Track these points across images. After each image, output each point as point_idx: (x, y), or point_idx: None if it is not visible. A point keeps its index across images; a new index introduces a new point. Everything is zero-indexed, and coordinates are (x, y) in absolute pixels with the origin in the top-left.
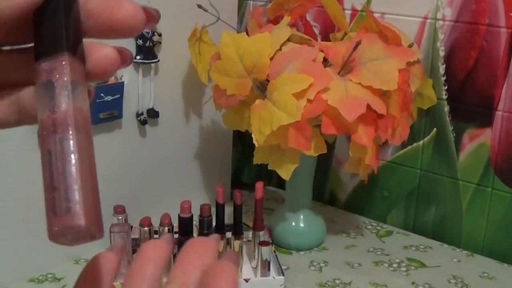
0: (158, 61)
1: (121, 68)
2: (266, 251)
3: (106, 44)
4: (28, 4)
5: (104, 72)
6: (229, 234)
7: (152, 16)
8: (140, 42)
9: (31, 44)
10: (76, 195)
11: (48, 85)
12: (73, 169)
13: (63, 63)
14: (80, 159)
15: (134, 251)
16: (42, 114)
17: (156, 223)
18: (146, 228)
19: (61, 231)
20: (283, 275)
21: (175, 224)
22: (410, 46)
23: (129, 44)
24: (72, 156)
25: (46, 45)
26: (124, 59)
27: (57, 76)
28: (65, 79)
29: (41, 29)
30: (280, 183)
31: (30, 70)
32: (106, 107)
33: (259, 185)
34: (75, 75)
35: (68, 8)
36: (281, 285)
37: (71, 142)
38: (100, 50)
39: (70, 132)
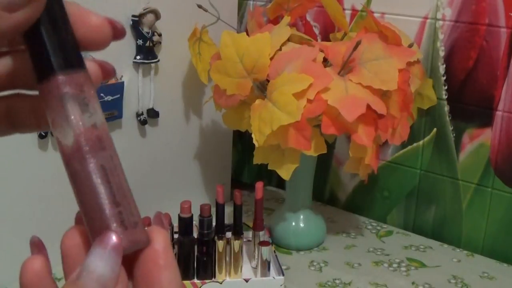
0: (158, 61)
1: (113, 41)
2: (266, 251)
3: (94, 12)
4: (19, 23)
5: (96, 43)
6: (229, 234)
7: (118, 30)
8: (140, 42)
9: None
10: (138, 211)
11: (76, 99)
12: (126, 185)
13: (64, 82)
14: (124, 175)
15: None
16: (77, 129)
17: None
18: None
19: (131, 244)
20: (283, 275)
21: (175, 224)
22: (410, 46)
23: (129, 44)
24: (121, 171)
25: (44, 66)
26: (116, 32)
27: (80, 90)
28: (87, 93)
29: (36, 49)
30: (280, 183)
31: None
32: (106, 107)
33: (259, 185)
34: (91, 89)
35: (60, 23)
36: (281, 285)
37: (118, 158)
38: (91, 18)
39: (113, 148)
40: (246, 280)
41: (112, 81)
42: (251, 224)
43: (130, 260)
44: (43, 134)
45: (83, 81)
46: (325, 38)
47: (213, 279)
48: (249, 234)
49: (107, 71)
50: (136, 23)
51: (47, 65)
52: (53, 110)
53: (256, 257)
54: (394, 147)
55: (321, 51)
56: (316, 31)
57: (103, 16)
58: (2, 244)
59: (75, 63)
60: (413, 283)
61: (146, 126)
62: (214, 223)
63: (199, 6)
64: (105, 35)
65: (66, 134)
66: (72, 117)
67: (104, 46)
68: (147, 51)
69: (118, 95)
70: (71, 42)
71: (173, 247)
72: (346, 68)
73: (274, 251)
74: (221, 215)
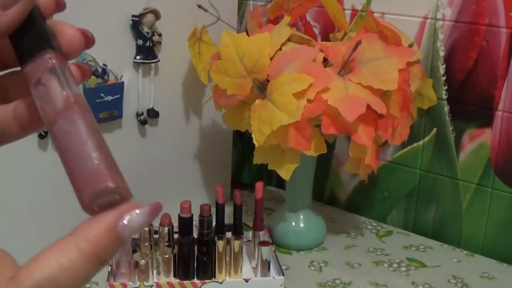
0: (158, 61)
1: (85, 49)
2: (266, 251)
3: (69, 24)
4: (14, 19)
5: (71, 51)
6: (229, 234)
7: (89, 38)
8: (140, 42)
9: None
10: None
11: (63, 70)
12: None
13: (49, 56)
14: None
15: (134, 251)
16: (61, 96)
17: (156, 223)
18: (146, 228)
19: (120, 187)
20: (283, 275)
21: (175, 224)
22: (410, 46)
23: (129, 44)
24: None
25: (28, 49)
26: (88, 40)
27: (64, 65)
28: (69, 70)
29: (18, 36)
30: (280, 183)
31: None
32: (106, 107)
33: (259, 185)
34: (63, 65)
35: (36, 12)
36: (281, 285)
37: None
38: (66, 29)
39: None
40: (246, 280)
41: (112, 81)
42: (251, 224)
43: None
44: (43, 134)
45: (65, 60)
46: (325, 38)
47: (213, 279)
48: (249, 234)
49: (89, 39)
50: (136, 23)
51: (34, 44)
52: (39, 82)
53: (256, 257)
54: (394, 147)
55: (321, 51)
56: (316, 31)
57: (76, 27)
58: (1, 244)
59: (56, 45)
60: (413, 283)
61: (146, 126)
62: (214, 223)
63: (199, 6)
64: (78, 44)
65: (54, 99)
66: (63, 81)
67: (78, 54)
68: (147, 51)
69: (118, 95)
70: (50, 29)
71: (173, 247)
72: (346, 68)
73: (274, 251)
74: (221, 215)
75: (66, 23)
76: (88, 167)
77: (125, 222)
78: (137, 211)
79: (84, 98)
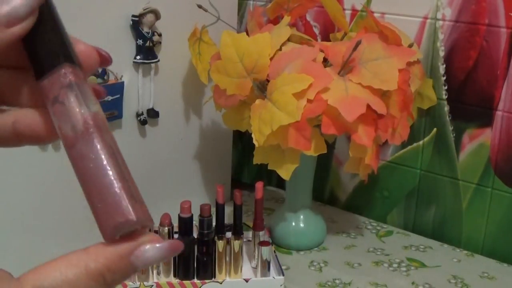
0: (158, 61)
1: (100, 66)
2: (266, 251)
3: (83, 42)
4: (16, 36)
5: (85, 67)
6: (229, 234)
7: (104, 57)
8: (140, 42)
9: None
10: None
11: (80, 87)
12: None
13: (65, 72)
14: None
15: None
16: (80, 117)
17: (156, 223)
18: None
19: (142, 217)
20: (283, 275)
21: (175, 224)
22: (410, 46)
23: (129, 44)
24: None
25: (45, 62)
26: (103, 58)
27: (82, 81)
28: (87, 85)
29: (35, 49)
30: (280, 183)
31: (24, 91)
32: (106, 107)
33: (259, 185)
34: (81, 80)
35: (55, 23)
36: (281, 285)
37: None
38: (78, 45)
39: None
40: (246, 280)
41: (112, 81)
42: (251, 224)
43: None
44: None
45: (82, 74)
46: (325, 38)
47: (213, 279)
48: (249, 234)
49: (104, 57)
50: (136, 23)
51: (52, 58)
52: (56, 100)
53: (256, 257)
54: (394, 147)
55: (321, 51)
56: (316, 31)
57: (90, 44)
58: (2, 244)
59: (74, 58)
60: (413, 283)
61: (146, 126)
62: (214, 223)
63: (199, 6)
64: (93, 61)
65: (72, 120)
66: (81, 100)
67: (91, 71)
68: (147, 51)
69: (118, 95)
70: (69, 40)
71: None
72: (346, 68)
73: (274, 251)
74: (221, 215)
75: (78, 39)
76: (109, 198)
77: (140, 253)
78: (156, 245)
79: (103, 116)
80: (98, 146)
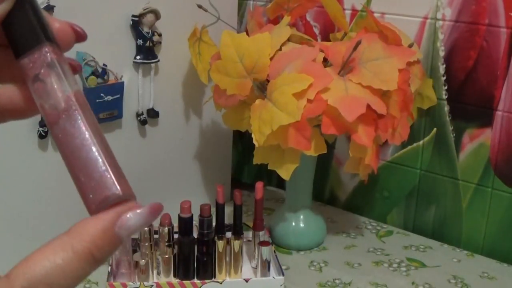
0: (158, 61)
1: (77, 42)
2: (266, 251)
3: (57, 19)
4: None
5: (62, 43)
6: (229, 234)
7: (79, 34)
8: (140, 42)
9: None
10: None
11: (62, 66)
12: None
13: (46, 50)
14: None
15: (134, 251)
16: (61, 95)
17: (156, 223)
18: (146, 228)
19: (127, 193)
20: (283, 275)
21: (175, 224)
22: (410, 46)
23: (129, 44)
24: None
25: (24, 41)
26: (78, 35)
27: (63, 60)
28: (67, 64)
29: (13, 29)
30: (280, 183)
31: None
32: (106, 107)
33: (259, 185)
34: (61, 59)
35: (32, 2)
36: (281, 285)
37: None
38: (54, 23)
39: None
40: (246, 280)
41: (112, 81)
42: (251, 224)
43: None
44: (43, 134)
45: (61, 53)
46: (325, 38)
47: (213, 279)
48: (249, 234)
49: (79, 33)
50: (136, 23)
51: (32, 37)
52: (37, 78)
53: (256, 257)
54: (394, 147)
55: (321, 51)
56: (316, 31)
57: (64, 21)
58: (1, 244)
59: (53, 37)
60: (413, 283)
61: (146, 126)
62: (214, 223)
63: (199, 6)
64: (69, 39)
65: (54, 97)
66: (62, 78)
67: (68, 48)
68: (147, 51)
69: (118, 95)
70: (46, 20)
71: (173, 247)
72: (346, 68)
73: (274, 251)
74: (221, 215)
75: (54, 18)
76: (95, 172)
77: (123, 223)
78: (137, 211)
79: (83, 95)
80: (82, 123)
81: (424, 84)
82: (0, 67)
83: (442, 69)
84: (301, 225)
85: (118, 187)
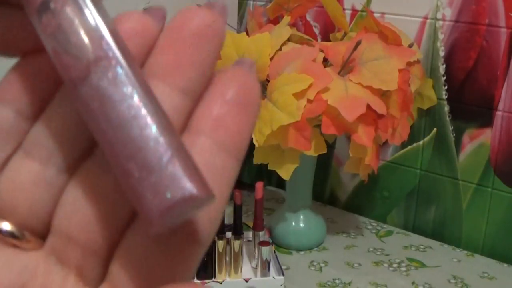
0: None
1: None
2: (266, 251)
3: None
4: None
5: None
6: (229, 234)
7: None
8: None
9: None
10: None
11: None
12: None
13: None
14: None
15: None
16: (93, 34)
17: None
18: None
19: (209, 194)
20: (283, 275)
21: None
22: (410, 46)
23: None
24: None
25: None
26: None
27: None
28: None
29: None
30: (280, 183)
31: None
32: None
33: (259, 185)
34: None
35: None
36: (281, 285)
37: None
38: None
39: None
40: (246, 280)
41: None
42: (251, 224)
43: None
44: None
45: None
46: (325, 38)
47: (213, 279)
48: (249, 234)
49: None
50: None
51: None
52: (46, 7)
53: (256, 257)
54: (394, 147)
55: (321, 51)
56: (316, 31)
57: None
58: None
59: None
60: (413, 283)
61: None
62: None
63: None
64: None
65: (78, 40)
66: (91, 11)
67: None
68: None
69: None
70: None
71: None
72: (346, 68)
73: (274, 251)
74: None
75: None
76: (154, 161)
77: None
78: None
79: (120, 35)
80: (128, 80)
81: (424, 84)
82: None
83: (442, 69)
84: (301, 225)
85: (193, 183)
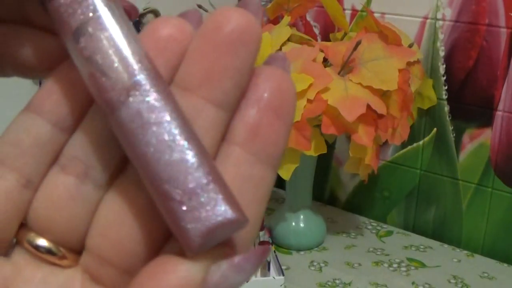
0: None
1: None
2: None
3: None
4: None
5: None
6: None
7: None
8: None
9: None
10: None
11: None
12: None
13: None
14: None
15: None
16: (131, 60)
17: None
18: None
19: (240, 214)
20: (283, 275)
21: None
22: (410, 46)
23: None
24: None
25: None
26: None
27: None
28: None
29: None
30: (280, 183)
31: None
32: None
33: None
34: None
35: None
36: (281, 285)
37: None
38: None
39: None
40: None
41: None
42: None
43: None
44: None
45: None
46: (325, 38)
47: None
48: None
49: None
50: (136, 23)
51: None
52: (84, 30)
53: None
54: (394, 147)
55: (321, 51)
56: (316, 31)
57: None
58: None
59: None
60: (413, 283)
61: None
62: None
63: (199, 6)
64: None
65: (117, 63)
66: (126, 35)
67: None
68: None
69: None
70: None
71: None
72: (346, 68)
73: (274, 251)
74: None
75: None
76: (194, 186)
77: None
78: (234, 261)
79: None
80: (166, 106)
81: (424, 84)
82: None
83: (442, 69)
84: (301, 225)
85: (231, 206)
